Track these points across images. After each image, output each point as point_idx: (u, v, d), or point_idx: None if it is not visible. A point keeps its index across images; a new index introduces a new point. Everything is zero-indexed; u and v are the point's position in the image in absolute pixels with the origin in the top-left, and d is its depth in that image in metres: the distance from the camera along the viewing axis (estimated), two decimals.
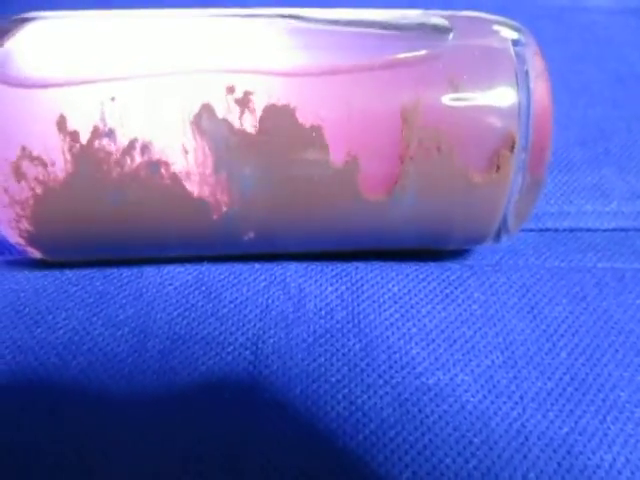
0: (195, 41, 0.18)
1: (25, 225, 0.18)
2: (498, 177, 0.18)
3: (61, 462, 0.16)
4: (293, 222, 0.19)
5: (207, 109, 0.17)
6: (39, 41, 0.18)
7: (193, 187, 0.17)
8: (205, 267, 0.21)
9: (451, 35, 0.18)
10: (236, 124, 0.17)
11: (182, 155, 0.17)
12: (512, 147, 0.17)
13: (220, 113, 0.17)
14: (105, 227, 0.18)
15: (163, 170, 0.17)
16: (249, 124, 0.17)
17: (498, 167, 0.17)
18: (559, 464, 0.17)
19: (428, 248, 0.21)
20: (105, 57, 0.17)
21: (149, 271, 0.21)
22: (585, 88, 0.31)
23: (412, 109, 0.17)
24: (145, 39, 0.18)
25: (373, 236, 0.20)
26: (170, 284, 0.21)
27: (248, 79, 0.17)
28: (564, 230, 0.24)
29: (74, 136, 0.17)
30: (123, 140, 0.17)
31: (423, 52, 0.18)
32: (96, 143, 0.17)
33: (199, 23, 0.19)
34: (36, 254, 0.19)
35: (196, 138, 0.17)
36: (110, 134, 0.17)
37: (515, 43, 0.18)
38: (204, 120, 0.17)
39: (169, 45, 0.18)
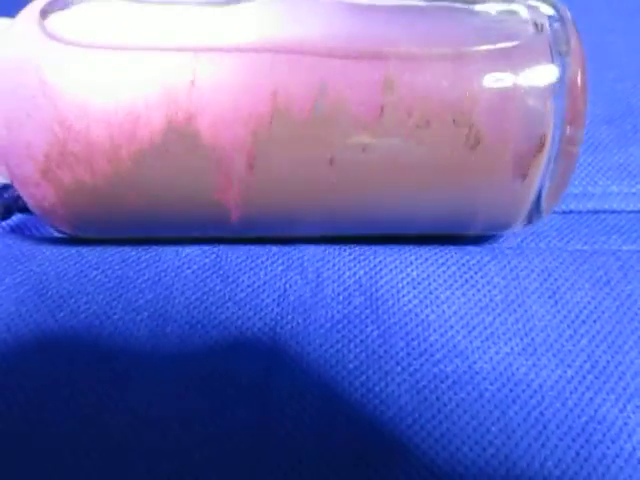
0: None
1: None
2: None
3: (82, 444, 0.17)
4: (311, 206, 0.19)
5: None
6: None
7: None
8: (222, 250, 0.21)
9: (476, 7, 0.17)
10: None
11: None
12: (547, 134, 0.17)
13: None
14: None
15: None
16: None
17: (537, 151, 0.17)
18: (577, 453, 0.17)
19: (450, 234, 0.21)
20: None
21: (167, 254, 0.21)
22: (614, 61, 0.30)
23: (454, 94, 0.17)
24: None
25: (393, 221, 0.19)
26: (188, 267, 0.21)
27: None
28: (588, 212, 0.24)
29: None
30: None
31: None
32: None
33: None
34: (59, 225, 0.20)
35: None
36: None
37: (552, 20, 0.17)
38: None
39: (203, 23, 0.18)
